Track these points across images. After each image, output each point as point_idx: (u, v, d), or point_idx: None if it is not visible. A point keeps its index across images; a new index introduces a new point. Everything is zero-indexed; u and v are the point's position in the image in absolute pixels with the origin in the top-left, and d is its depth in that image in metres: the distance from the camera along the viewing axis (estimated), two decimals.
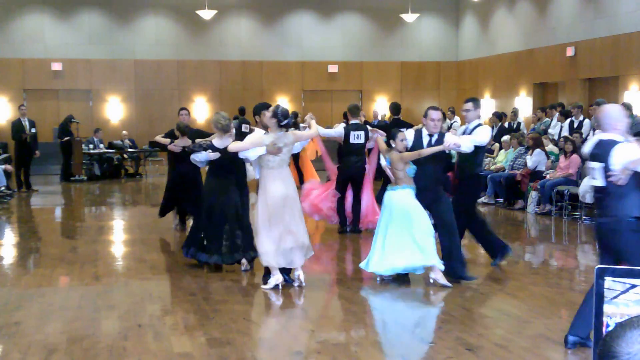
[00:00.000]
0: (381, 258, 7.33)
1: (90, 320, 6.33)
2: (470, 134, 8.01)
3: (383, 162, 7.65)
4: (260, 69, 23.25)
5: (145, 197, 17.48)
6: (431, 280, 7.36)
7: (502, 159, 14.73)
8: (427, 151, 7.37)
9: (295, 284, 7.32)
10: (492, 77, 21.94)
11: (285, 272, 7.37)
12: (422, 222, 7.27)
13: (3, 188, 15.34)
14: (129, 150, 20.58)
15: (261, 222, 7.17)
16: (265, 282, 7.30)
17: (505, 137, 15.07)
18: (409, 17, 22.43)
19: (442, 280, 7.28)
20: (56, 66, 22.05)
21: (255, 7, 23.12)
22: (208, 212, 8.15)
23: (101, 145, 20.09)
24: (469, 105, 8.20)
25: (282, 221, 7.13)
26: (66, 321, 6.28)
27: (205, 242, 8.20)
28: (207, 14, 21.38)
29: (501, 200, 14.02)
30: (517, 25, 20.61)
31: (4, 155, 18.13)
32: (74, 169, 19.10)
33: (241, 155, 7.41)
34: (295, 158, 16.31)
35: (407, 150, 7.38)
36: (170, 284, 7.78)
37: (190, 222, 10.65)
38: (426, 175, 7.43)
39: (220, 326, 6.13)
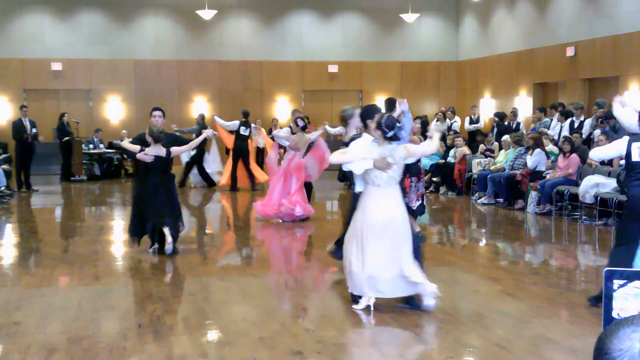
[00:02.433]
0: None
1: (90, 320, 6.32)
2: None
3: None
4: (260, 69, 23.24)
5: None
6: None
7: (502, 159, 14.72)
8: None
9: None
10: (492, 77, 21.94)
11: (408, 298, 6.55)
12: None
13: (3, 188, 15.34)
14: None
15: (354, 244, 6.40)
16: (355, 301, 6.59)
17: (506, 137, 15.08)
18: (409, 17, 22.43)
19: None
20: (56, 66, 22.04)
21: (255, 7, 23.12)
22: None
23: (101, 145, 20.10)
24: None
25: (382, 247, 6.26)
26: (66, 321, 6.27)
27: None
28: (207, 14, 21.37)
29: (501, 200, 14.02)
30: (517, 25, 20.60)
31: (4, 155, 18.14)
32: (74, 169, 19.11)
33: (345, 167, 6.65)
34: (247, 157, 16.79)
35: None
36: (170, 284, 7.77)
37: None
38: None
39: (220, 326, 6.13)
